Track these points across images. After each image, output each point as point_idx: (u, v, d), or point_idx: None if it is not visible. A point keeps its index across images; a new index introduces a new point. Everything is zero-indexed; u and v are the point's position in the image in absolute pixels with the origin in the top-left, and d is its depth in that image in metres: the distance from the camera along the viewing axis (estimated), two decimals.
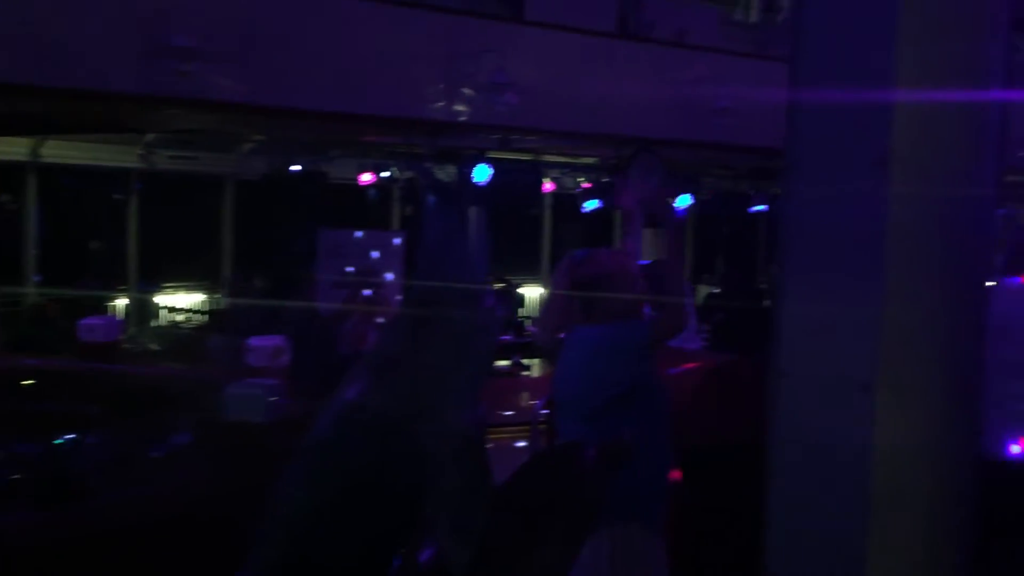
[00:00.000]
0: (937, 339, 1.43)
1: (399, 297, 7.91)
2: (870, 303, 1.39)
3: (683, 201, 10.78)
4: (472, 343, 2.67)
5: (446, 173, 9.64)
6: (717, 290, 10.70)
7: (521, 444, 5.57)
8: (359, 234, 10.29)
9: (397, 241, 10.38)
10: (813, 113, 1.52)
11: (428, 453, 2.36)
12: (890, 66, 1.39)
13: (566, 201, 11.98)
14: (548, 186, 11.30)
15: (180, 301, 10.87)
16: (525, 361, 10.30)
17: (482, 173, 8.85)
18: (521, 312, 12.49)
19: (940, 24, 1.40)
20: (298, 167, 10.46)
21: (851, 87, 1.45)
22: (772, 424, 1.49)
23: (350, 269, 9.78)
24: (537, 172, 10.26)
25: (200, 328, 9.50)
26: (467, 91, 8.16)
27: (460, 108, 8.20)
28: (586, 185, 10.88)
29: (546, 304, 3.65)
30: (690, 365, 4.61)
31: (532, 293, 12.95)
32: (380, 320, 6.01)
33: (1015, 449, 3.42)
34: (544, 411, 4.79)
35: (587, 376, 3.08)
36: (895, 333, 1.38)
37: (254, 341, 4.55)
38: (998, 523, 3.34)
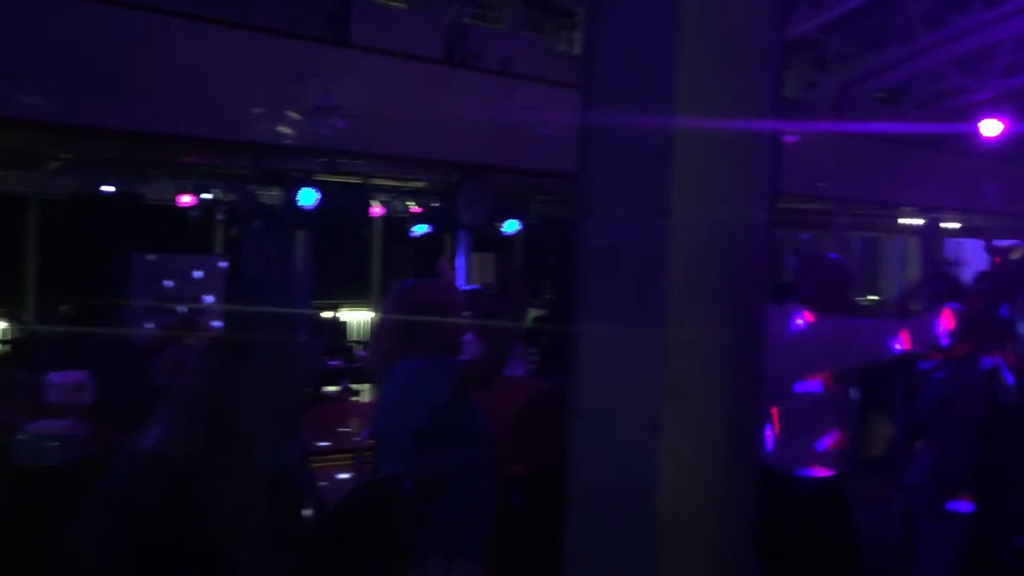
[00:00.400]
0: (721, 369, 1.48)
1: (220, 323, 7.64)
2: (656, 335, 1.43)
3: (510, 226, 10.97)
4: (286, 376, 2.60)
5: (270, 196, 9.41)
6: (544, 314, 10.89)
7: (346, 476, 5.47)
8: (177, 258, 9.88)
9: (222, 265, 10.03)
10: (601, 138, 1.55)
11: (234, 496, 2.27)
12: (671, 93, 1.44)
13: (396, 225, 11.94)
14: (377, 210, 11.23)
15: None
16: (354, 386, 10.16)
17: (308, 197, 8.69)
18: (350, 337, 12.33)
19: (718, 54, 1.46)
20: (111, 187, 9.94)
21: (635, 113, 1.49)
22: (569, 463, 1.51)
23: (168, 288, 9.39)
24: (365, 196, 10.18)
25: None
26: (292, 114, 8.01)
27: (285, 131, 8.03)
28: (415, 209, 10.88)
29: (374, 332, 3.61)
30: (515, 391, 4.65)
31: (362, 317, 12.81)
32: (198, 349, 5.78)
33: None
34: (369, 440, 4.73)
35: (404, 409, 3.06)
36: (680, 366, 1.43)
37: (53, 377, 4.26)
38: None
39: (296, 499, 2.75)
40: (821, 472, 3.60)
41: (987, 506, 3.49)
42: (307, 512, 2.83)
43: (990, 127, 12.59)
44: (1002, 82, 13.67)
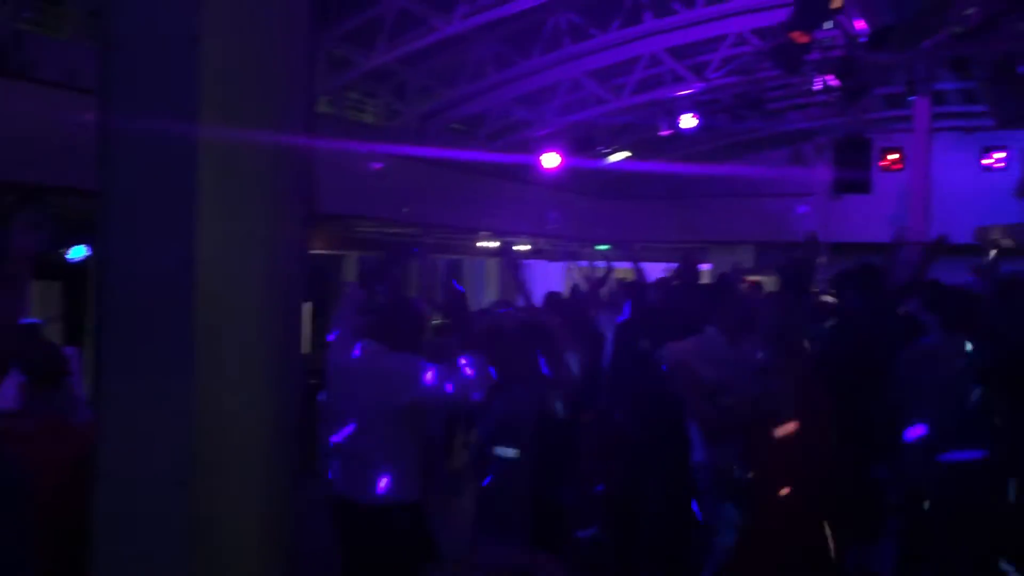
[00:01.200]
0: (258, 404, 1.40)
1: None
2: (184, 369, 1.30)
3: (78, 252, 10.02)
4: None
5: None
6: None
7: None
8: None
9: None
10: (121, 148, 1.40)
11: None
12: (194, 103, 1.33)
13: None
14: None
15: None
16: None
17: None
18: None
19: (242, 68, 1.37)
20: None
21: (159, 121, 1.36)
22: (91, 527, 1.34)
23: None
24: None
25: None
26: None
27: None
28: None
29: None
30: (76, 437, 4.20)
31: None
32: None
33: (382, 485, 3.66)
34: None
35: None
36: (212, 408, 1.32)
37: None
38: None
39: None
40: (396, 497, 3.64)
41: (543, 507, 3.78)
42: None
43: (550, 159, 13.97)
44: (559, 119, 15.22)
